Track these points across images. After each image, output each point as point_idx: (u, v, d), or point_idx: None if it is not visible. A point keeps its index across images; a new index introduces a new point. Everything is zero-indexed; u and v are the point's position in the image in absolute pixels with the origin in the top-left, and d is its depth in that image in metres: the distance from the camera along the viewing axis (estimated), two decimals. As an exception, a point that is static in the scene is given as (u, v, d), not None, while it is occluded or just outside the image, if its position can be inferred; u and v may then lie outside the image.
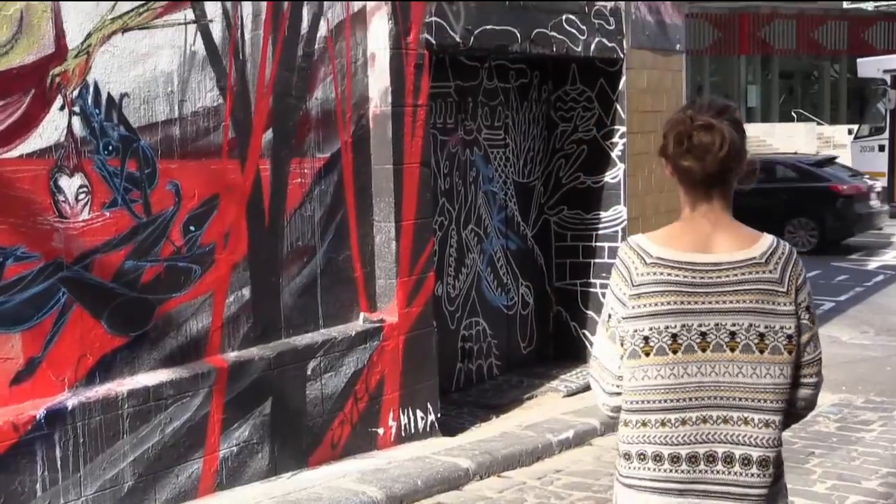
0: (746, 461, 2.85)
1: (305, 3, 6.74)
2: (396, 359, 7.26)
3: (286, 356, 6.55)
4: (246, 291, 6.45)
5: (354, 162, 7.15)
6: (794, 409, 2.96)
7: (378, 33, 7.16)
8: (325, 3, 6.87)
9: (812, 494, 6.67)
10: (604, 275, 9.64)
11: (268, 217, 6.59)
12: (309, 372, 6.69)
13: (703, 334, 2.84)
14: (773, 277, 2.85)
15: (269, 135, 6.58)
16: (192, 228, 6.14)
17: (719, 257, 2.87)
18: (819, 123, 41.92)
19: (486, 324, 9.23)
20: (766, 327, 2.84)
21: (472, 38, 7.80)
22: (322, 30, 6.87)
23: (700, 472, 2.85)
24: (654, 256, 2.89)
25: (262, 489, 6.29)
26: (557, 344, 9.98)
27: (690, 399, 2.85)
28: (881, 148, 23.31)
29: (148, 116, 5.88)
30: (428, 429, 7.51)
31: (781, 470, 2.97)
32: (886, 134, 23.25)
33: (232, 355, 6.33)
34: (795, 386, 2.92)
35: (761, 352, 2.84)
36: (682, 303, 2.84)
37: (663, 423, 2.85)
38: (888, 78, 23.18)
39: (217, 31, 6.23)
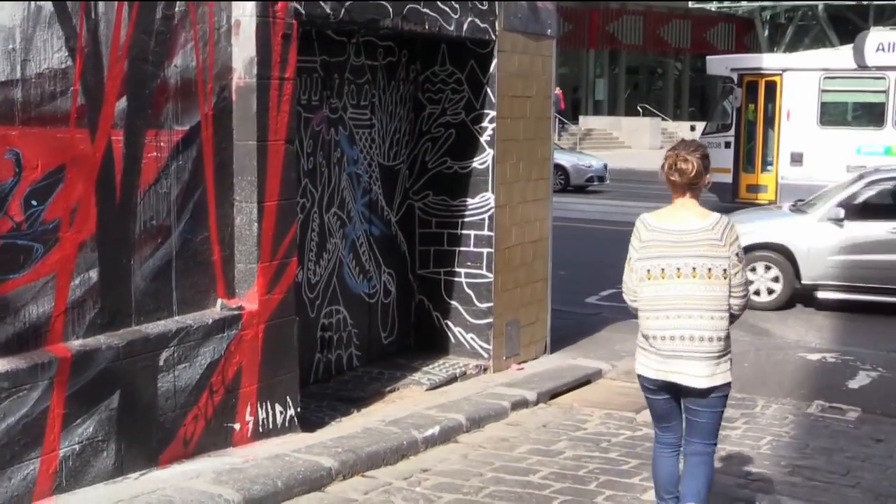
0: (702, 339, 5.13)
1: (166, -40, 6.18)
2: (255, 349, 6.77)
3: (136, 345, 5.99)
4: (93, 274, 5.86)
5: (215, 136, 6.62)
6: (733, 311, 5.23)
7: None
8: (188, -38, 6.32)
9: (686, 495, 6.50)
10: (468, 264, 9.35)
11: (119, 193, 6.01)
12: (161, 363, 6.15)
13: (678, 268, 5.16)
14: (715, 237, 5.17)
15: (122, 103, 6.00)
16: (34, 203, 5.52)
17: (688, 226, 5.20)
18: (663, 119, 42.82)
19: (346, 312, 8.81)
20: (712, 264, 5.15)
21: (342, 10, 7.35)
22: (184, -9, 6.32)
23: (676, 344, 5.15)
24: (652, 226, 5.26)
25: (106, 491, 5.73)
26: (419, 334, 9.64)
27: (671, 304, 5.16)
28: (727, 145, 23.76)
29: (-14, 76, 5.25)
30: (287, 424, 7.05)
31: (728, 343, 5.21)
32: (732, 131, 23.71)
33: (76, 344, 5.74)
34: (731, 297, 5.18)
35: (709, 278, 5.14)
36: (666, 252, 5.18)
37: (657, 318, 5.19)
38: (735, 76, 23.63)
39: (67, -16, 5.62)
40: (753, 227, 13.44)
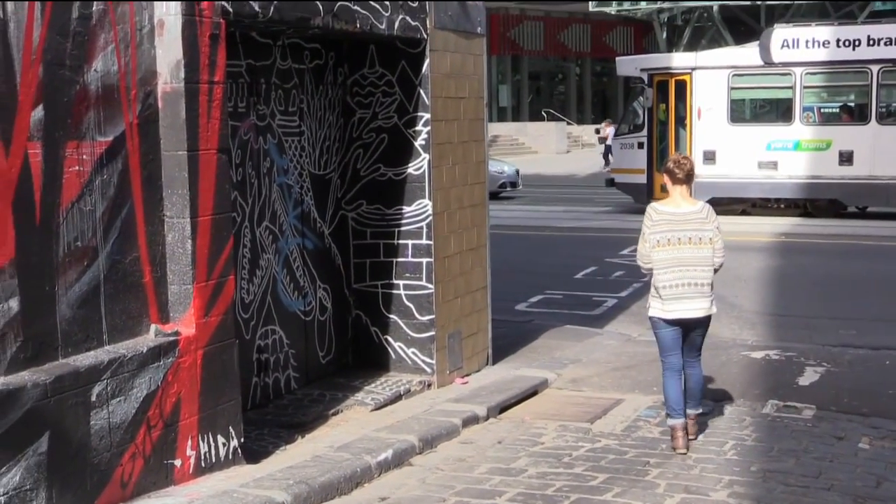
0: (699, 284, 7.30)
1: (81, -45, 5.61)
2: (194, 377, 6.22)
3: (66, 380, 5.40)
4: (13, 303, 5.26)
5: (141, 147, 6.06)
6: (715, 266, 7.39)
7: (167, -3, 6.11)
8: (105, -44, 5.75)
9: (666, 511, 6.15)
10: (407, 275, 8.90)
11: (39, 212, 5.42)
12: (93, 398, 5.57)
13: (679, 238, 7.28)
14: (702, 217, 7.38)
15: (38, 112, 5.41)
16: (-57, 226, 4.92)
17: (684, 210, 7.38)
18: (568, 123, 42.89)
19: (282, 332, 8.28)
20: (701, 235, 7.30)
21: (272, 8, 6.84)
22: (101, -11, 5.75)
23: (682, 290, 7.28)
24: (660, 210, 7.42)
25: (38, 545, 5.14)
26: (358, 352, 9.15)
27: (675, 263, 7.27)
28: (640, 145, 23.74)
29: None
30: (231, 456, 6.51)
31: (712, 288, 7.40)
32: (645, 132, 23.68)
33: (-3, 382, 5.14)
34: (714, 256, 7.37)
35: (700, 244, 7.30)
36: (671, 228, 7.31)
37: (667, 272, 7.28)
38: (645, 76, 23.62)
39: (-28, -19, 5.03)
40: None
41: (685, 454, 7.26)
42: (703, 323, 7.48)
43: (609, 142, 39.45)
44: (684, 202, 7.42)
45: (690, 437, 7.51)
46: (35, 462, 5.24)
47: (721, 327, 12.02)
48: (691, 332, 7.47)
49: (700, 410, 7.75)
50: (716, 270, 7.42)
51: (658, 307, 7.40)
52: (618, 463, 7.14)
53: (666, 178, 7.49)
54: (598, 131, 42.12)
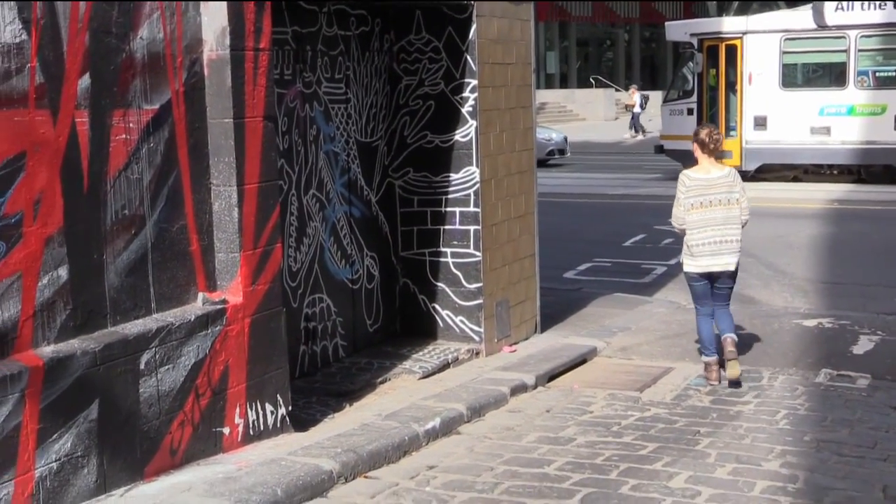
0: (729, 241, 8.15)
1: (126, -79, 5.57)
2: (242, 345, 6.22)
3: (114, 348, 5.42)
4: (62, 272, 5.28)
5: (188, 115, 6.04)
6: (742, 223, 8.23)
7: (212, -37, 6.06)
8: (150, -77, 5.71)
9: (717, 482, 6.06)
10: (454, 243, 8.84)
11: (87, 181, 5.42)
12: (142, 366, 5.58)
13: (710, 201, 8.13)
14: (730, 180, 8.21)
15: (85, 80, 5.40)
16: (-8, 195, 4.93)
17: (713, 175, 8.22)
18: (616, 90, 42.46)
19: (329, 300, 8.27)
20: (729, 197, 8.16)
21: (317, -26, 6.78)
22: (146, -45, 5.72)
23: (714, 246, 8.14)
24: (692, 177, 8.24)
25: (89, 511, 5.18)
26: (405, 320, 9.12)
27: (707, 223, 8.11)
28: (689, 111, 23.43)
29: (-69, 53, 4.64)
30: (279, 424, 6.51)
31: (741, 244, 8.35)
32: (695, 97, 23.37)
33: (47, 350, 5.16)
34: (741, 215, 8.22)
35: (728, 205, 8.15)
36: (702, 192, 8.15)
37: (701, 231, 8.14)
38: (695, 41, 23.28)
39: (18, -51, 5.01)
40: None
41: (717, 385, 8.22)
42: (731, 275, 8.33)
43: (636, 110, 39.12)
44: (713, 168, 8.24)
45: (730, 357, 8.18)
46: (85, 429, 5.27)
47: (773, 295, 11.88)
48: (721, 283, 8.33)
49: (734, 335, 8.40)
50: (742, 226, 8.30)
51: (692, 263, 8.28)
52: (667, 432, 7.06)
53: (696, 147, 8.27)
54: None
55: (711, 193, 8.12)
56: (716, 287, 8.31)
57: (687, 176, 8.21)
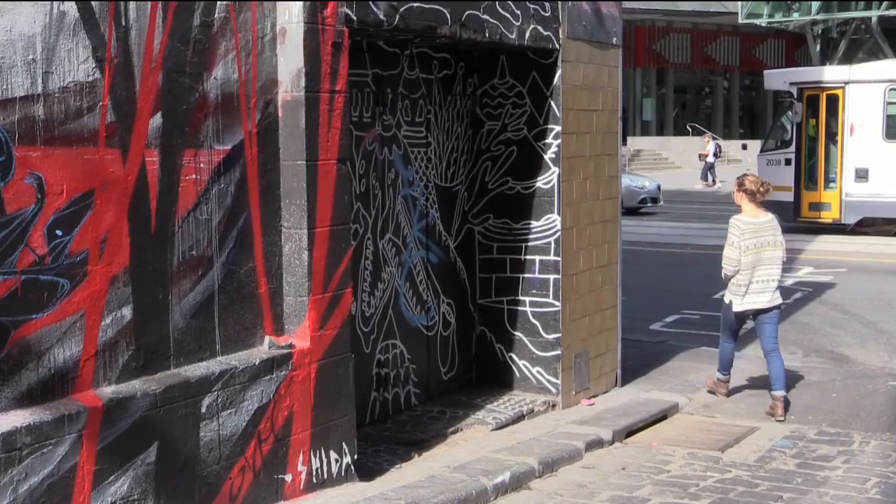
0: (773, 280, 8.92)
1: (204, -38, 5.56)
2: (308, 391, 6.11)
3: (176, 391, 5.35)
4: (126, 311, 5.23)
5: (260, 156, 5.99)
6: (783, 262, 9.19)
7: (289, 4, 6.03)
8: (228, -36, 5.70)
9: (798, 552, 5.75)
10: (533, 292, 8.65)
11: (155, 220, 5.39)
12: (203, 409, 5.50)
13: (761, 243, 8.87)
14: (774, 224, 9.03)
15: (157, 120, 5.38)
16: (58, 233, 4.91)
17: (760, 220, 8.97)
18: (714, 138, 41.87)
19: (403, 346, 8.13)
20: (775, 239, 8.94)
21: (397, 17, 6.71)
22: (223, -4, 5.70)
23: (762, 285, 8.88)
24: (745, 222, 8.93)
25: (143, 557, 5.08)
26: (481, 369, 8.94)
27: (757, 264, 8.85)
28: (787, 161, 22.92)
29: (1, 90, 4.65)
30: (343, 473, 6.37)
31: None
32: (793, 147, 22.86)
33: (108, 391, 5.11)
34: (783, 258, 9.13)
35: (775, 247, 8.92)
36: (754, 235, 8.86)
37: (752, 273, 8.87)
38: (795, 90, 22.81)
39: (94, -12, 5.02)
40: None
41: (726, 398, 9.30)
42: (773, 310, 8.99)
43: (709, 159, 38.44)
44: (760, 213, 8.96)
45: (779, 418, 8.69)
46: (143, 472, 5.19)
47: (869, 355, 11.42)
48: (764, 319, 8.97)
49: (784, 392, 8.92)
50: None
51: (737, 301, 8.91)
52: (748, 496, 6.75)
53: (742, 195, 8.96)
54: (744, 147, 41.06)
55: (762, 236, 8.82)
56: (763, 322, 8.98)
57: (740, 220, 8.90)
